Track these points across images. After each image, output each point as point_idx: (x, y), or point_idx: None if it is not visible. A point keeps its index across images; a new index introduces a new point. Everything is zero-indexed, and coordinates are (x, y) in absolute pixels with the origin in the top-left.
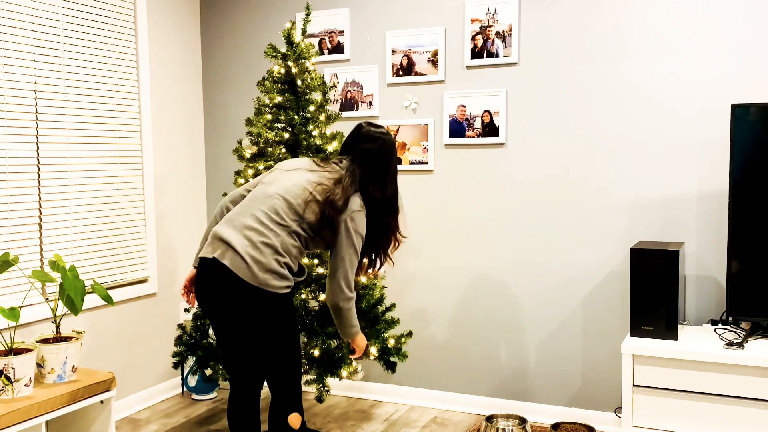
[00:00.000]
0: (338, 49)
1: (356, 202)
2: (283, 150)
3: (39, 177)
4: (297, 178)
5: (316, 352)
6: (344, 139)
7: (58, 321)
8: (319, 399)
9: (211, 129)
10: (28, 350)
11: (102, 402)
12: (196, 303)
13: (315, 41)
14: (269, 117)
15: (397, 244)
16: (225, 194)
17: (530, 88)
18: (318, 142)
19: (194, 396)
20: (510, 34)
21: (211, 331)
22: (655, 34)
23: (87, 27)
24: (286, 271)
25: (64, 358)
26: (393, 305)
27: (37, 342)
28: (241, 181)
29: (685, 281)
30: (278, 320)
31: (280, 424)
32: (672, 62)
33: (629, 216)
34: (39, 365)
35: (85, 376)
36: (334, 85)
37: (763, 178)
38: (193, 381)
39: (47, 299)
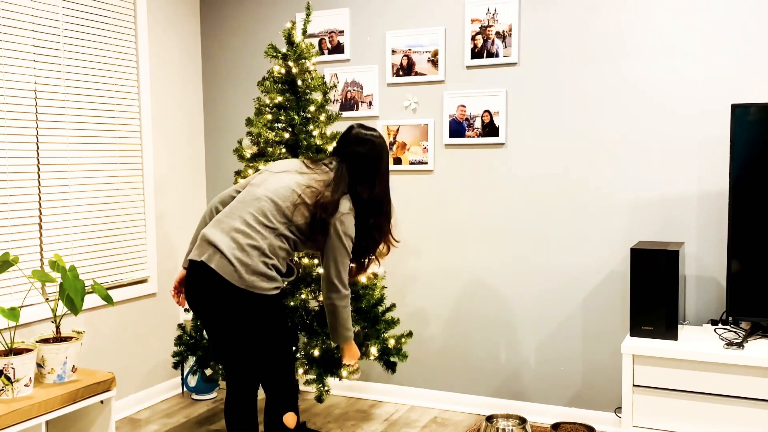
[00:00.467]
0: (338, 49)
1: (345, 205)
2: (284, 150)
3: (39, 177)
4: (286, 181)
5: (316, 352)
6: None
7: (58, 321)
8: (319, 399)
9: (211, 129)
10: (28, 350)
11: (102, 402)
12: (186, 304)
13: (315, 41)
14: (269, 117)
15: (387, 249)
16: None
17: (530, 88)
18: (318, 142)
19: (194, 396)
20: (510, 34)
21: None
22: (655, 34)
23: (87, 27)
24: (273, 273)
25: (64, 358)
26: (393, 305)
27: (37, 342)
28: (241, 181)
29: (685, 281)
30: (267, 321)
31: (275, 424)
32: (672, 62)
33: (629, 216)
34: (39, 365)
35: (85, 376)
36: (335, 85)
37: (763, 178)
38: (193, 381)
39: (47, 299)
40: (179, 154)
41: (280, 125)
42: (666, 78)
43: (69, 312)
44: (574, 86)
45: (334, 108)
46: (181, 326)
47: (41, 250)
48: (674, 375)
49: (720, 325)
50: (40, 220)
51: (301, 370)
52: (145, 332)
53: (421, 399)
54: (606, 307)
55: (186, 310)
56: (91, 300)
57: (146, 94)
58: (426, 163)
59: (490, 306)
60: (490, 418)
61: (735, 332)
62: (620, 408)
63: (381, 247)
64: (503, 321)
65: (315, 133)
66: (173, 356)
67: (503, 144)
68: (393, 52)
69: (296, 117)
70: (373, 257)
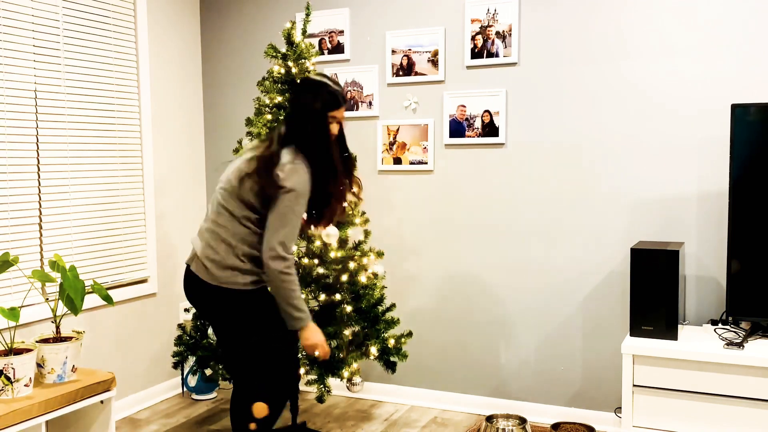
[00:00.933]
0: (338, 49)
1: (286, 156)
2: None
3: (39, 177)
4: (235, 164)
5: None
6: None
7: (58, 321)
8: (320, 399)
9: (211, 129)
10: (28, 350)
11: (102, 402)
12: None
13: (315, 41)
14: (269, 117)
15: (341, 205)
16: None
17: (530, 88)
18: None
19: (194, 396)
20: (510, 34)
21: (210, 330)
22: (655, 34)
23: (87, 27)
24: (248, 264)
25: (64, 358)
26: (393, 305)
27: (37, 342)
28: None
29: (685, 281)
30: (249, 317)
31: (240, 416)
32: (672, 62)
33: (629, 216)
34: (39, 365)
35: (85, 376)
36: None
37: (763, 178)
38: (193, 381)
39: (47, 299)
40: (179, 154)
41: None
42: (666, 78)
43: (69, 312)
44: (574, 86)
45: None
46: (181, 326)
47: (41, 250)
48: (674, 375)
49: (720, 325)
50: (40, 220)
51: (302, 370)
52: (145, 332)
53: (421, 399)
54: (606, 307)
55: (186, 310)
56: (91, 300)
57: (146, 94)
58: (426, 163)
59: (490, 306)
60: (490, 418)
61: (735, 332)
62: (620, 408)
63: (345, 200)
64: (503, 321)
65: None
66: (173, 356)
67: (503, 144)
68: (393, 52)
69: None
70: (333, 210)
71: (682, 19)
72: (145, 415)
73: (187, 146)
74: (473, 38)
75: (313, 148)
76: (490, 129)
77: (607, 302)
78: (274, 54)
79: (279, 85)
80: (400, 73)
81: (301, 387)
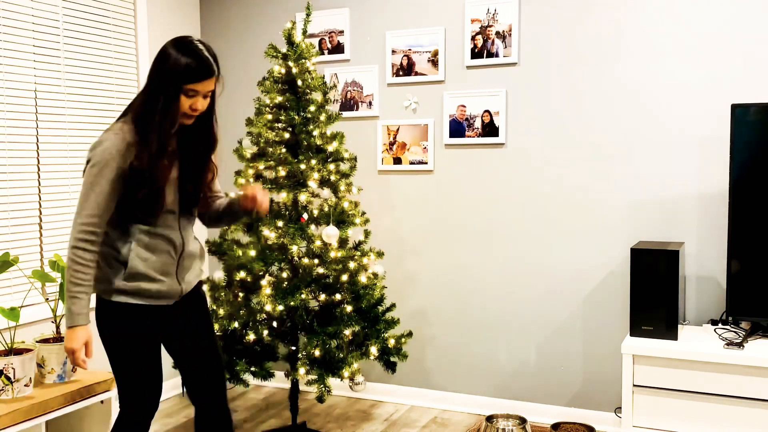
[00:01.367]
0: (338, 49)
1: (113, 127)
2: (284, 150)
3: (39, 177)
4: None
5: (317, 352)
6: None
7: (58, 321)
8: (320, 399)
9: None
10: (28, 350)
11: (102, 402)
12: None
13: (315, 41)
14: (270, 117)
15: (162, 195)
16: (226, 194)
17: (530, 88)
18: (318, 142)
19: None
20: (510, 34)
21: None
22: (656, 34)
23: (87, 27)
24: (100, 271)
25: (64, 358)
26: (393, 305)
27: (37, 342)
28: (241, 181)
29: (685, 281)
30: (108, 343)
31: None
32: (672, 62)
33: (629, 216)
34: (39, 365)
35: (85, 376)
36: (335, 85)
37: (763, 178)
38: None
39: (47, 299)
40: None
41: (280, 125)
42: (666, 78)
43: None
44: (574, 86)
45: (334, 108)
46: None
47: (41, 250)
48: (674, 375)
49: (720, 325)
50: (40, 220)
51: (302, 370)
52: None
53: (421, 399)
54: (606, 307)
55: None
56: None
57: None
58: (426, 163)
59: (490, 306)
60: (490, 418)
61: (735, 332)
62: (620, 408)
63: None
64: (503, 321)
65: (315, 133)
66: None
67: (503, 144)
68: (393, 52)
69: (296, 117)
70: (159, 192)
71: (683, 19)
72: None
73: None
74: (473, 38)
75: (140, 117)
76: (490, 129)
77: (607, 302)
78: (275, 54)
79: (279, 85)
80: (400, 73)
81: (301, 387)
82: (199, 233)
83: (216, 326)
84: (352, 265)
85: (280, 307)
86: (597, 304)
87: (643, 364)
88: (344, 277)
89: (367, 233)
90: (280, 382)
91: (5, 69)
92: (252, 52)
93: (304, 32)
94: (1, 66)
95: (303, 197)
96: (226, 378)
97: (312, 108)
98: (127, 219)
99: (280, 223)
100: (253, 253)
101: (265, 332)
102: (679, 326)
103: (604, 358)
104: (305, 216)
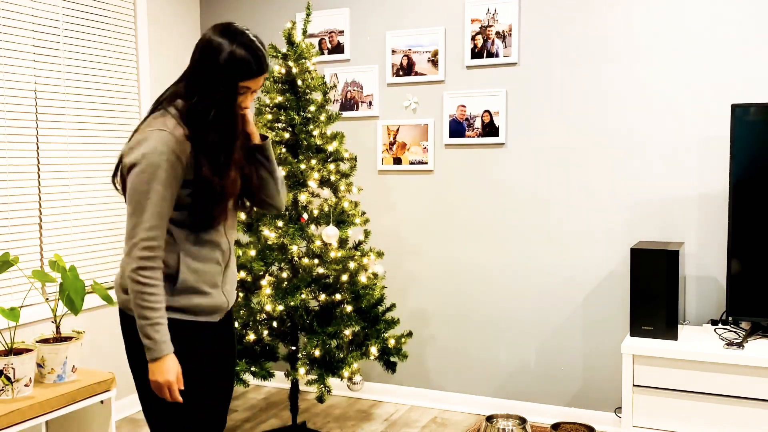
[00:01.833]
0: (338, 49)
1: (146, 123)
2: (284, 150)
3: (39, 177)
4: None
5: (317, 352)
6: None
7: (58, 321)
8: (320, 399)
9: None
10: (28, 350)
11: (102, 402)
12: None
13: (315, 41)
14: (270, 117)
15: (224, 203)
16: None
17: (530, 88)
18: (318, 142)
19: None
20: (510, 34)
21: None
22: (656, 34)
23: (87, 27)
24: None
25: (64, 358)
26: (393, 305)
27: (37, 342)
28: None
29: (685, 281)
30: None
31: None
32: (672, 62)
33: (629, 216)
34: (39, 365)
35: (85, 376)
36: (335, 85)
37: (763, 178)
38: None
39: (47, 299)
40: None
41: (280, 125)
42: (666, 78)
43: (69, 312)
44: (574, 86)
45: (334, 108)
46: None
47: (41, 250)
48: (674, 375)
49: (720, 325)
50: (40, 220)
51: (302, 370)
52: None
53: (421, 399)
54: (606, 307)
55: None
56: (91, 300)
57: (146, 94)
58: (426, 163)
59: (490, 306)
60: (490, 418)
61: (735, 332)
62: (620, 408)
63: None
64: (503, 321)
65: (315, 132)
66: None
67: (503, 144)
68: (393, 52)
69: (296, 117)
70: (218, 207)
71: (683, 19)
72: None
73: None
74: (473, 38)
75: (199, 119)
76: (490, 129)
77: (607, 302)
78: (275, 54)
79: (279, 85)
80: (400, 73)
81: (301, 387)
82: None
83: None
84: (352, 265)
85: (280, 307)
86: (597, 304)
87: (643, 364)
88: (344, 277)
89: (367, 233)
90: (280, 382)
91: (5, 69)
92: None
93: (304, 32)
94: (1, 66)
95: (303, 197)
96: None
97: (312, 108)
98: (171, 223)
99: (280, 223)
100: (253, 252)
101: (265, 332)
102: (679, 326)
103: (604, 358)
104: (305, 216)
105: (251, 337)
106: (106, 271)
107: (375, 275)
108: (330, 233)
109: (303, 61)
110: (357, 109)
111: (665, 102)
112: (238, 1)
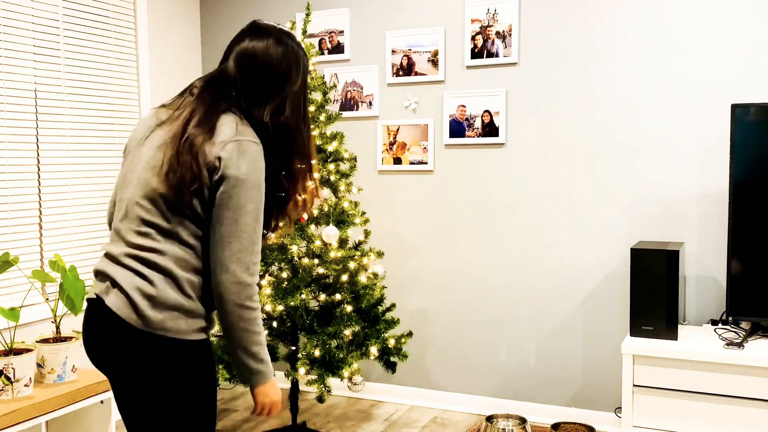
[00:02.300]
0: (338, 49)
1: (229, 128)
2: None
3: (39, 177)
4: (144, 149)
5: (317, 352)
6: None
7: (58, 321)
8: (320, 399)
9: None
10: (28, 350)
11: (102, 402)
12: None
13: (315, 41)
14: None
15: (304, 202)
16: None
17: (530, 88)
18: (318, 142)
19: None
20: (510, 34)
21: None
22: (656, 34)
23: (87, 27)
24: (195, 302)
25: (64, 358)
26: (393, 305)
27: (37, 342)
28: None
29: (685, 281)
30: (190, 391)
31: None
32: (672, 62)
33: (629, 216)
34: (39, 365)
35: (85, 376)
36: (334, 85)
37: (763, 178)
38: None
39: (47, 299)
40: None
41: None
42: (666, 78)
43: (69, 312)
44: (574, 86)
45: (334, 108)
46: None
47: (41, 250)
48: (674, 375)
49: (720, 325)
50: (40, 220)
51: (302, 370)
52: None
53: (421, 399)
54: (606, 307)
55: None
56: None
57: (146, 94)
58: (426, 163)
59: (490, 306)
60: (490, 418)
61: (735, 332)
62: (620, 408)
63: (299, 200)
64: (503, 321)
65: (315, 133)
66: None
67: (503, 144)
68: (393, 52)
69: None
70: (286, 216)
71: (683, 19)
72: None
73: None
74: (473, 38)
75: (284, 137)
76: (490, 129)
77: (607, 302)
78: None
79: None
80: (400, 73)
81: (301, 387)
82: None
83: (216, 326)
84: (352, 265)
85: (280, 307)
86: (597, 304)
87: (643, 364)
88: (344, 277)
89: (367, 233)
90: (280, 382)
91: (5, 69)
92: None
93: (304, 32)
94: (1, 66)
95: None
96: None
97: (311, 108)
98: (200, 239)
99: (280, 223)
100: None
101: (265, 332)
102: (679, 326)
103: (604, 358)
104: (305, 216)
105: None
106: None
107: (375, 275)
108: (330, 233)
109: None
110: (357, 109)
111: (665, 102)
112: (238, 1)
